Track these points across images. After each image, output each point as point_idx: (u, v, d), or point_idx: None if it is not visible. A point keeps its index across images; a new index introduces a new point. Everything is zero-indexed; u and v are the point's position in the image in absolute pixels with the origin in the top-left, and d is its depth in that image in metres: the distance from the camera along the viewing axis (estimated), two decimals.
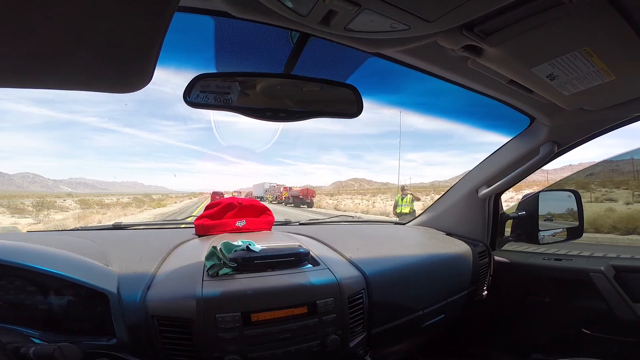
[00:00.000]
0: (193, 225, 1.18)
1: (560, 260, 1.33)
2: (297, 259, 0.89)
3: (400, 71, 1.01)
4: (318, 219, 1.63)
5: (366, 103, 0.82)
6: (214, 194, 29.23)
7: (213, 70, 0.79)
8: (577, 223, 1.44)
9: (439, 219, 1.59)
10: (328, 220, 1.67)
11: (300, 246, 0.97)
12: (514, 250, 1.52)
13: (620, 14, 0.63)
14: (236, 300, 0.74)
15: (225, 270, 0.81)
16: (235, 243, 0.89)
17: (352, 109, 0.80)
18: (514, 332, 1.45)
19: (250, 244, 0.89)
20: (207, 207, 1.21)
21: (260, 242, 0.95)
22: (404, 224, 1.72)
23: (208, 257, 0.85)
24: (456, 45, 0.74)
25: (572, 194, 1.43)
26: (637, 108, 1.03)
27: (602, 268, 1.20)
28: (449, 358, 1.56)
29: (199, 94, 0.70)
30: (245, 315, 0.73)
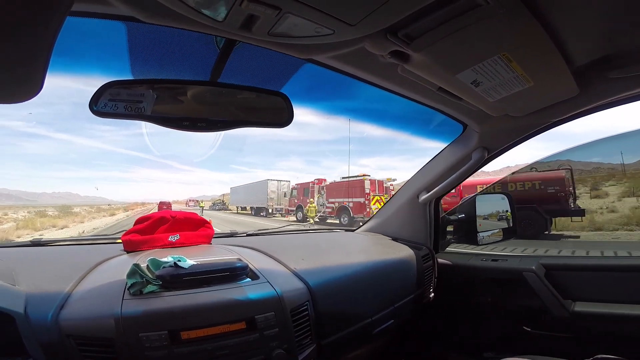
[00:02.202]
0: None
1: (496, 260, 1.42)
2: (233, 273, 0.86)
3: (339, 78, 1.03)
4: (267, 229, 1.60)
5: (308, 111, 0.82)
6: (161, 204, 27.41)
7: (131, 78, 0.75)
8: (511, 223, 1.57)
9: (385, 225, 1.63)
10: (278, 230, 1.65)
11: (240, 260, 0.94)
12: (457, 251, 1.60)
13: (537, 20, 0.68)
14: (162, 318, 0.71)
15: (151, 288, 0.77)
16: (164, 259, 0.85)
17: (281, 118, 0.79)
18: (464, 332, 1.51)
19: (180, 260, 0.84)
20: (137, 222, 1.12)
21: (195, 257, 0.91)
22: (353, 230, 1.75)
23: (129, 275, 0.79)
24: (383, 50, 0.76)
25: (505, 197, 1.56)
26: (556, 114, 1.14)
27: (534, 267, 1.29)
28: None
29: (107, 103, 0.67)
30: (173, 334, 0.70)
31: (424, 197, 1.48)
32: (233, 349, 0.75)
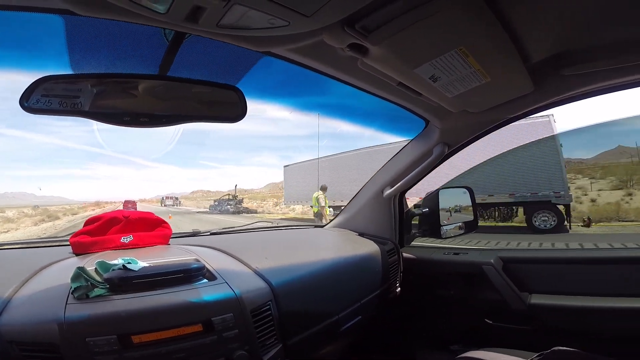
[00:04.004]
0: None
1: (458, 254, 1.46)
2: (188, 275, 0.83)
3: (307, 74, 1.02)
4: (233, 228, 1.57)
5: (279, 106, 0.81)
6: (127, 203, 25.39)
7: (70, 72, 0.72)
8: (473, 216, 1.64)
9: (352, 220, 1.65)
10: (243, 228, 1.62)
11: (197, 260, 0.92)
12: (420, 246, 1.65)
13: (494, 15, 0.70)
14: (109, 322, 0.69)
15: (98, 291, 0.74)
16: (113, 262, 0.81)
17: (233, 112, 0.78)
18: (431, 325, 1.56)
19: (130, 262, 0.81)
20: (87, 222, 1.07)
21: (149, 259, 0.87)
22: (322, 226, 1.76)
23: (73, 279, 0.76)
24: (341, 43, 0.76)
25: (467, 190, 1.62)
26: (512, 110, 1.19)
27: (492, 260, 1.34)
28: (375, 358, 1.62)
29: (40, 99, 0.64)
30: (123, 338, 0.68)
31: (388, 192, 1.51)
32: (190, 351, 0.74)
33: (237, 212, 23.34)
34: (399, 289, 1.49)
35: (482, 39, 0.76)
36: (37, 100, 0.63)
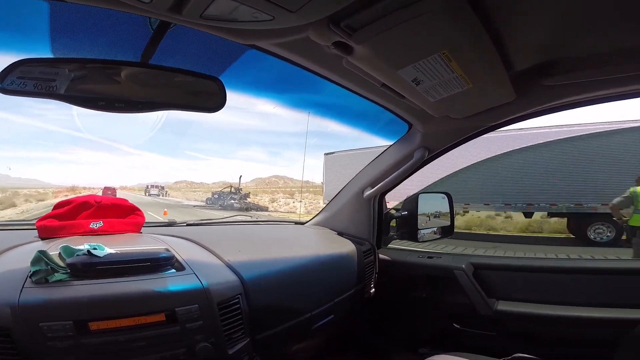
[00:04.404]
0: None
1: (431, 258, 1.49)
2: (155, 264, 0.82)
3: (291, 69, 1.02)
4: (211, 220, 1.56)
5: (259, 100, 0.81)
6: (106, 189, 24.28)
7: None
8: (450, 222, 1.67)
9: (333, 219, 1.66)
10: (222, 220, 1.61)
11: (168, 250, 0.91)
12: (398, 248, 1.68)
13: (479, 21, 0.71)
14: (66, 308, 0.68)
15: (59, 276, 0.72)
16: (79, 247, 0.80)
17: (213, 103, 0.78)
18: (403, 327, 1.57)
19: (95, 248, 0.80)
20: (56, 206, 1.04)
21: (117, 246, 0.86)
22: (303, 223, 1.77)
23: (33, 263, 0.74)
24: (326, 41, 0.76)
25: (446, 196, 1.65)
26: (493, 117, 1.21)
27: (463, 265, 1.36)
28: (348, 357, 1.64)
29: (15, 80, 0.64)
30: (80, 324, 0.67)
31: (368, 192, 1.52)
32: (150, 341, 0.73)
33: (246, 208, 19.49)
34: (374, 289, 1.51)
35: (466, 45, 0.76)
36: (11, 81, 0.63)
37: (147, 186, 33.38)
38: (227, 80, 0.81)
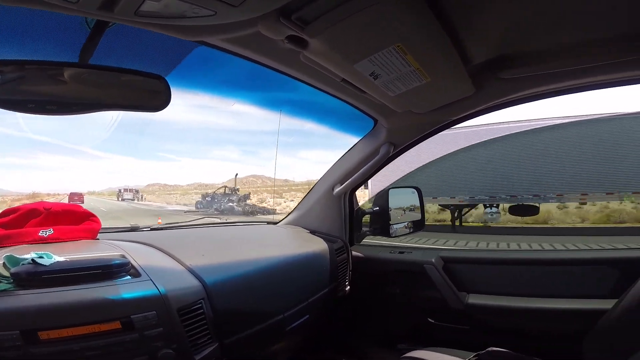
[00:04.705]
0: None
1: (403, 253, 1.49)
2: (108, 271, 0.79)
3: (246, 64, 1.00)
4: (177, 223, 1.52)
5: (206, 97, 0.79)
6: (72, 195, 22.64)
7: None
8: (420, 216, 1.69)
9: (305, 217, 1.66)
10: (190, 223, 1.58)
11: (123, 256, 0.88)
12: (371, 244, 1.68)
13: (432, 13, 0.70)
14: (13, 318, 0.65)
15: (2, 286, 0.69)
16: (25, 256, 0.76)
17: (156, 101, 0.75)
18: (379, 323, 1.58)
19: (42, 256, 0.77)
20: (2, 214, 0.99)
21: (68, 254, 0.82)
22: (275, 223, 1.75)
23: None
24: (279, 35, 0.75)
25: (416, 190, 1.67)
26: (454, 112, 1.22)
27: (433, 260, 1.37)
28: (325, 356, 1.63)
29: None
30: (27, 334, 0.65)
31: (337, 189, 1.52)
32: (106, 349, 0.71)
33: (251, 212, 16.76)
34: (349, 287, 1.51)
35: (420, 38, 0.76)
36: None
37: (120, 190, 30.23)
38: (177, 79, 0.79)
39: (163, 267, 0.93)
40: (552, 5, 0.75)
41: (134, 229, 1.32)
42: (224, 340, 0.92)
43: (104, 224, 1.14)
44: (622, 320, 0.80)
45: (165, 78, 0.76)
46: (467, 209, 10.98)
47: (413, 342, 1.45)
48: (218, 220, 1.65)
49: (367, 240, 1.71)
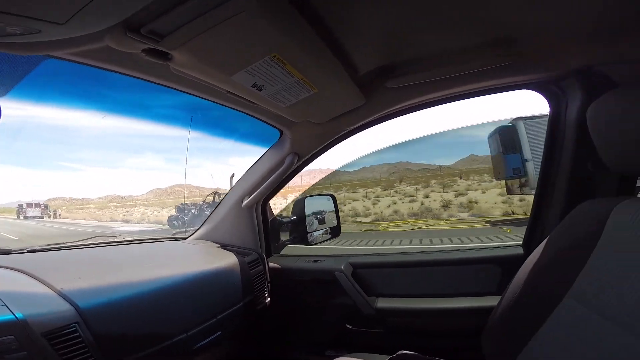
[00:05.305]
0: None
1: (317, 261, 1.50)
2: None
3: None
4: (62, 244, 1.32)
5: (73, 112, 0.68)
6: None
7: None
8: (336, 222, 1.71)
9: (215, 232, 1.58)
10: (79, 243, 1.38)
11: None
12: (289, 254, 1.66)
13: (305, 20, 0.68)
14: None
15: None
16: None
17: None
18: (306, 332, 1.56)
19: None
20: None
21: None
22: (184, 238, 1.63)
23: None
24: (132, 49, 0.69)
25: (331, 198, 1.69)
26: (350, 122, 1.25)
27: (342, 267, 1.39)
28: None
29: None
30: None
31: (246, 201, 1.48)
32: None
33: None
34: (269, 299, 1.47)
35: (296, 47, 0.74)
36: None
37: (21, 206, 23.92)
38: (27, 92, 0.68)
39: (25, 292, 0.86)
40: (427, 13, 0.77)
41: (6, 251, 1.14)
42: None
43: None
44: (504, 317, 0.85)
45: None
46: None
47: (339, 348, 1.46)
48: (115, 240, 1.48)
49: (291, 249, 1.68)
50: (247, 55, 0.74)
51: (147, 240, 1.52)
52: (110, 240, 1.46)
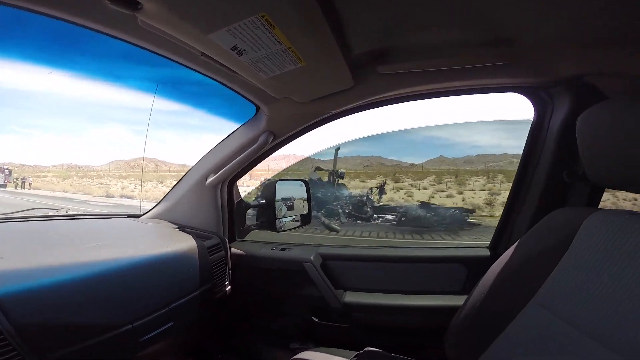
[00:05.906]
0: None
1: (284, 250, 1.43)
2: None
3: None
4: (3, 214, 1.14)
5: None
6: None
7: None
8: (307, 210, 1.65)
9: (173, 211, 1.45)
10: (17, 215, 1.21)
11: None
12: (255, 240, 1.57)
13: None
14: None
15: None
16: None
17: None
18: (270, 323, 1.50)
19: None
20: None
21: None
22: (138, 216, 1.49)
23: None
24: None
25: (303, 184, 1.61)
26: (335, 105, 1.17)
27: (312, 257, 1.34)
28: (218, 358, 1.49)
29: None
30: None
31: (210, 179, 1.36)
32: None
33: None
34: (229, 287, 1.38)
35: (290, 10, 0.66)
36: None
37: None
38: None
39: None
40: (427, 1, 0.74)
41: None
42: (46, 355, 0.77)
43: None
44: (469, 318, 0.85)
45: None
46: None
47: (304, 341, 1.42)
48: (59, 213, 1.31)
49: (256, 234, 1.59)
50: (231, 11, 0.64)
51: (93, 216, 1.36)
52: (51, 214, 1.29)
